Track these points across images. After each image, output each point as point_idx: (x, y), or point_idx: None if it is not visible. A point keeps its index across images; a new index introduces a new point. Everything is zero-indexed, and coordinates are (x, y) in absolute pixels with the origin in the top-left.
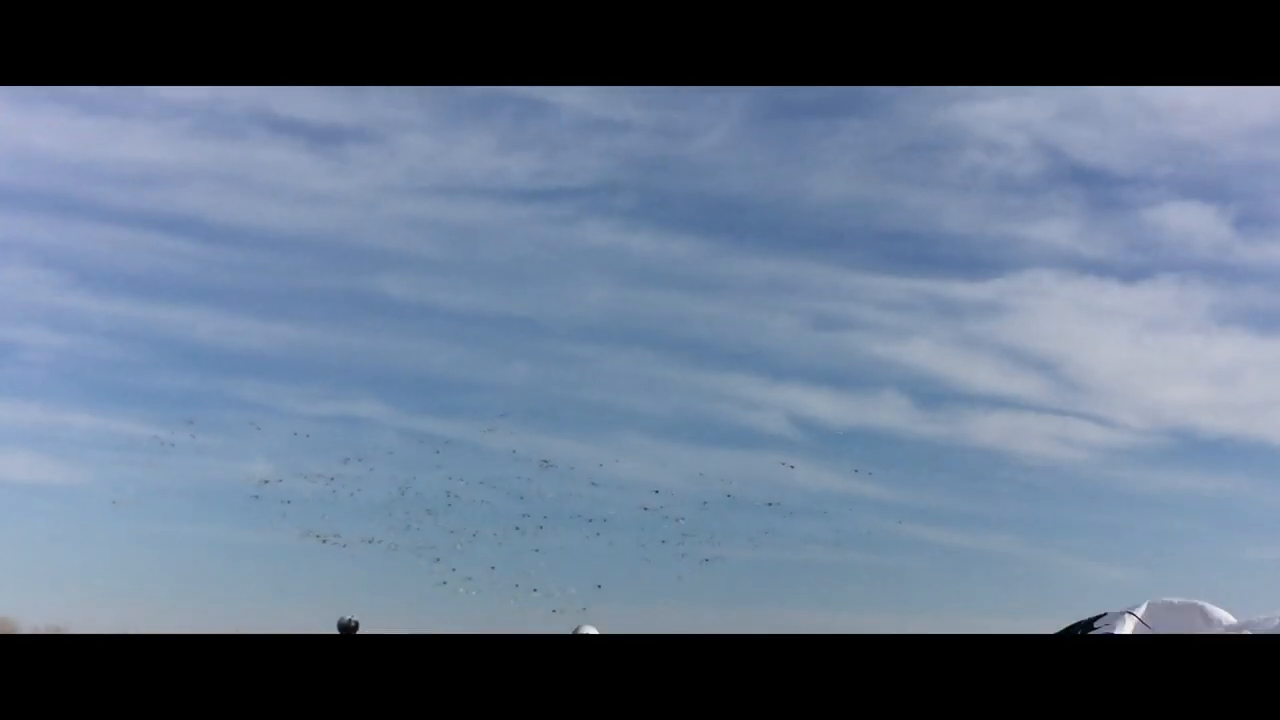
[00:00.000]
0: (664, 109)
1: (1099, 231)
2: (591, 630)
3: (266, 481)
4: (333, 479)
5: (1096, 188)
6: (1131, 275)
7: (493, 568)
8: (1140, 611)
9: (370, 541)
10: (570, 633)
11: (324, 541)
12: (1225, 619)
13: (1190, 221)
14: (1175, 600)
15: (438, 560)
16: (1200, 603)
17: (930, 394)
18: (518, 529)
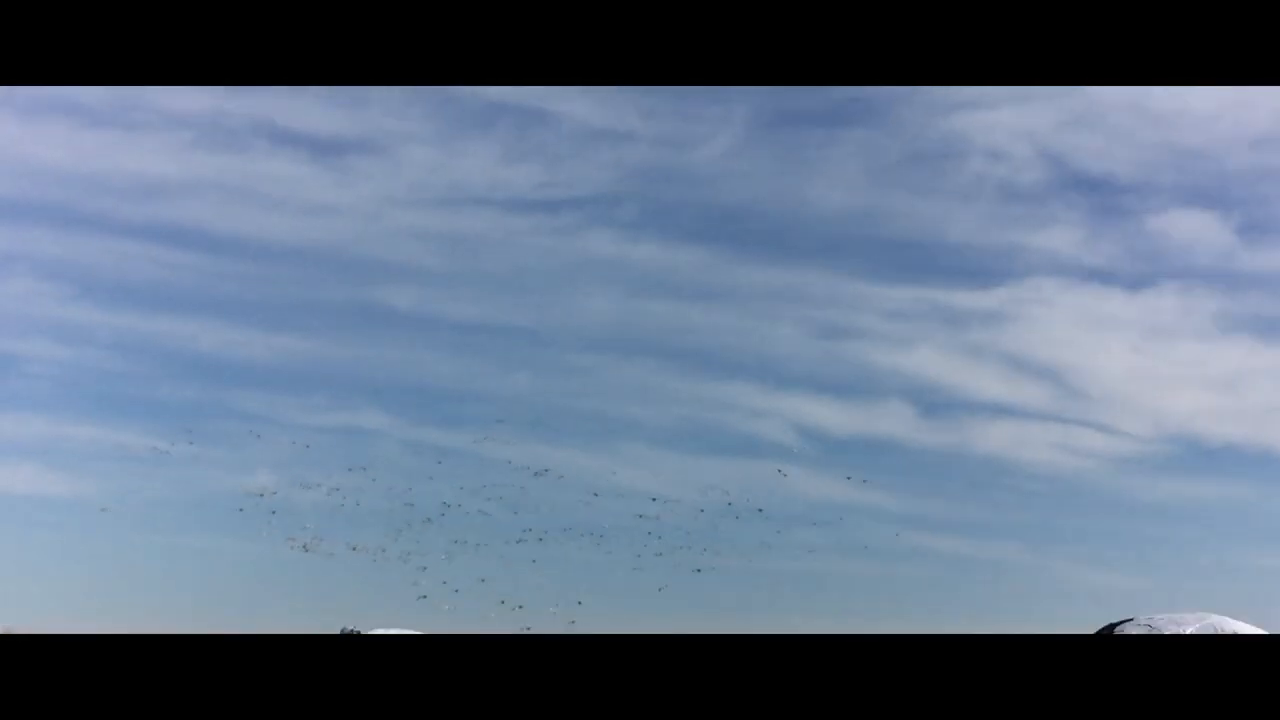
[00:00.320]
0: (666, 119)
1: (1102, 239)
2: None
3: (262, 495)
4: (336, 489)
5: (1099, 195)
6: (1135, 283)
7: (483, 580)
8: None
9: (355, 549)
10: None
11: (307, 550)
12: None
13: (1193, 229)
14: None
15: (424, 569)
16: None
17: (934, 402)
18: (520, 542)
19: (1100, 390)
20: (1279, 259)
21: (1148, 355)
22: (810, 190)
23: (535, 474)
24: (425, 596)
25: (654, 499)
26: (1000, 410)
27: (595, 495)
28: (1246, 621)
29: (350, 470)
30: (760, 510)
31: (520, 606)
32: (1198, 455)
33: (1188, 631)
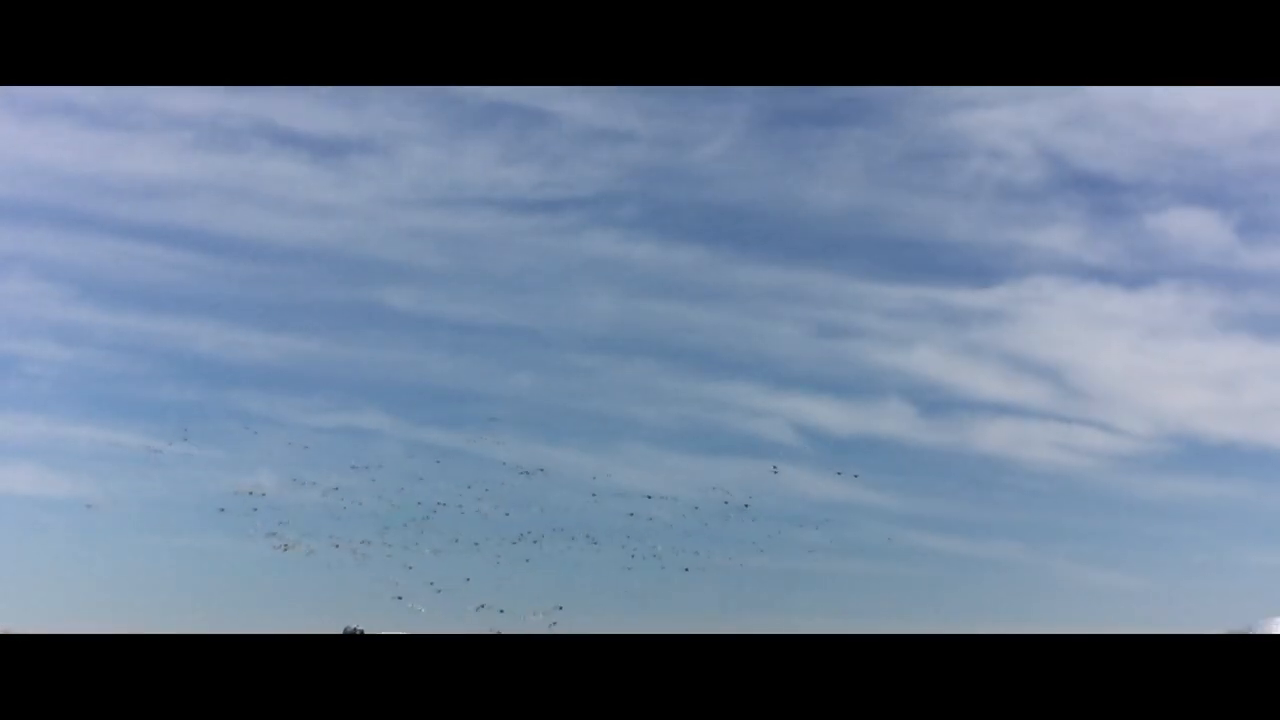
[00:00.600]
0: (666, 118)
1: (1102, 238)
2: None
3: (251, 493)
4: (334, 489)
5: (1099, 194)
6: (1134, 282)
7: (468, 579)
8: None
9: (338, 546)
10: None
11: (287, 549)
12: None
13: (1193, 227)
14: None
15: (410, 568)
16: None
17: (934, 401)
18: (515, 543)
19: (1100, 389)
20: (1278, 257)
21: (1147, 354)
22: (810, 190)
23: (532, 473)
24: (401, 597)
25: (649, 496)
26: (1000, 409)
27: (593, 496)
28: None
29: (348, 470)
30: (747, 507)
31: (502, 611)
32: (1198, 453)
33: None
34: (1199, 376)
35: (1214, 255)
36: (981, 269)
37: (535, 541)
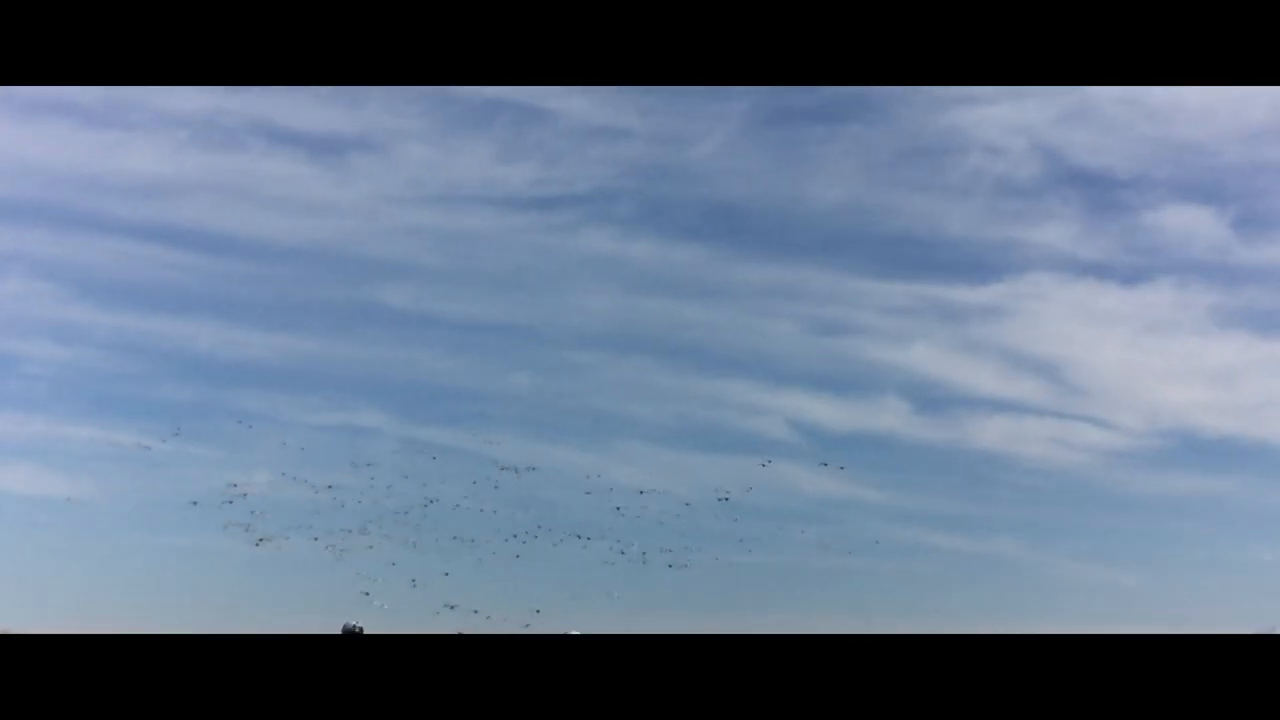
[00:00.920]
0: (663, 116)
1: (1098, 234)
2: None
3: (235, 485)
4: (328, 486)
5: (1096, 190)
6: (1131, 278)
7: (446, 574)
8: None
9: (316, 539)
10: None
11: (260, 543)
12: None
13: (1189, 223)
14: None
15: (394, 565)
16: None
17: (931, 398)
18: (507, 540)
19: (1097, 385)
20: (1275, 253)
21: (1144, 349)
22: (807, 187)
23: (528, 471)
24: (368, 593)
25: (641, 492)
26: (997, 405)
27: (587, 494)
28: None
29: (343, 468)
30: (728, 500)
31: (476, 611)
32: (1194, 449)
33: None
34: (1196, 372)
35: (1211, 251)
36: (978, 265)
37: (524, 541)
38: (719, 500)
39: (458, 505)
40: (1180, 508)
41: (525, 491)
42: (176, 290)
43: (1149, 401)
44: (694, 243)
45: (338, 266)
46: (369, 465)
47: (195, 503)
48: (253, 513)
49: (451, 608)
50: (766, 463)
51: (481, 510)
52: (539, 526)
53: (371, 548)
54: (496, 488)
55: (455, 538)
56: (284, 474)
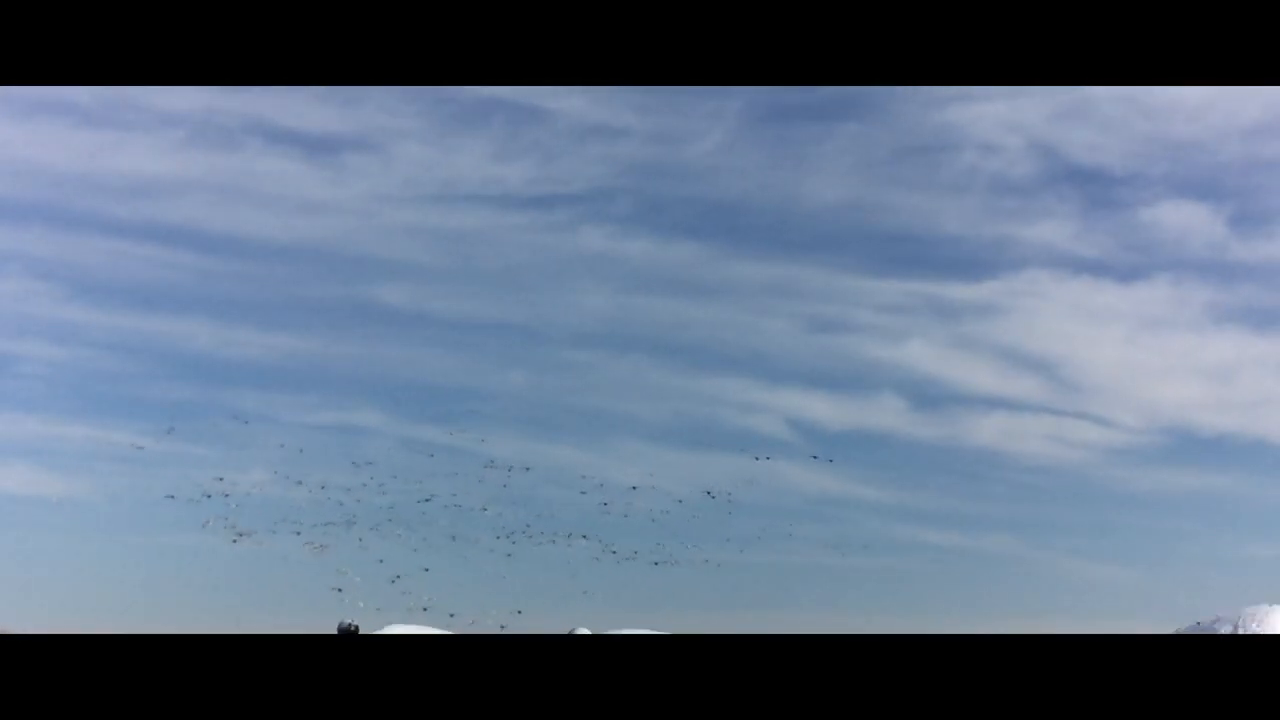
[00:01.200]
0: (659, 115)
1: (1095, 231)
2: (584, 631)
3: (221, 479)
4: (323, 486)
5: (1092, 187)
6: (1127, 275)
7: (426, 569)
8: None
9: (298, 534)
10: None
11: (236, 541)
12: None
13: (1185, 220)
14: None
15: (381, 562)
16: None
17: (927, 396)
18: (499, 538)
19: (1093, 382)
20: (1271, 250)
21: (1140, 347)
22: (803, 185)
23: (523, 469)
24: (340, 590)
25: (634, 487)
26: (993, 403)
27: (582, 494)
28: None
29: (339, 467)
30: (732, 501)
31: (452, 615)
32: (1191, 446)
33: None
34: (1192, 369)
35: (1207, 248)
36: (974, 263)
37: (515, 541)
38: (708, 497)
39: (450, 504)
40: (1176, 504)
41: (523, 490)
42: (172, 290)
43: (1146, 399)
44: (690, 241)
45: (334, 266)
46: (367, 465)
47: (191, 499)
48: (235, 507)
49: (424, 609)
50: (759, 459)
51: (478, 508)
52: (528, 526)
53: (363, 548)
54: (496, 485)
55: (446, 536)
56: (276, 472)
